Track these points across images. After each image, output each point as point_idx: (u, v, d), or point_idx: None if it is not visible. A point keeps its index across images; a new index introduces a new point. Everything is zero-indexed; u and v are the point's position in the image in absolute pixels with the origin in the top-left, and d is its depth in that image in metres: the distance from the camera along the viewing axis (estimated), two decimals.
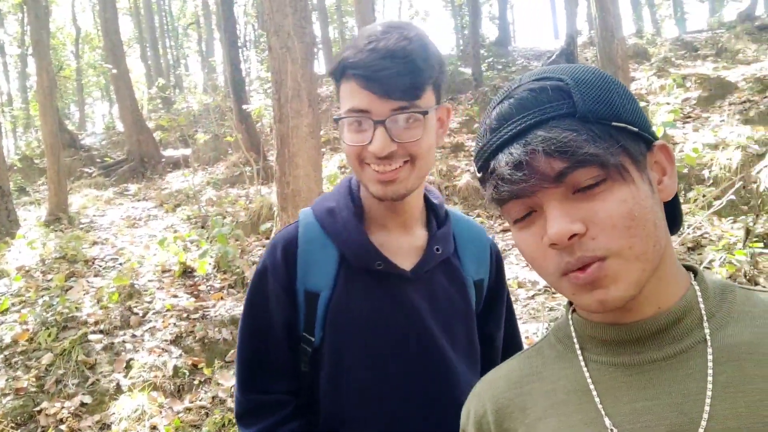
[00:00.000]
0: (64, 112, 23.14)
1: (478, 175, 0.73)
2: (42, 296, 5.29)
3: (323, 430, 1.10)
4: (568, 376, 0.72)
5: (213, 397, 3.99)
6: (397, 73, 0.95)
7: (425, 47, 0.99)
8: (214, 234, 6.15)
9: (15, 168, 13.51)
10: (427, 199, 1.18)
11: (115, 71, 12.66)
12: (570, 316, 0.76)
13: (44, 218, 8.87)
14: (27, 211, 10.03)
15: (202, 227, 7.48)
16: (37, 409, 3.90)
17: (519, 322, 4.77)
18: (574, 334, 0.74)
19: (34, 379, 4.14)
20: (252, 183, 8.77)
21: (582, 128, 0.62)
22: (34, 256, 6.60)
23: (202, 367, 4.28)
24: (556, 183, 0.62)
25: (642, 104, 3.27)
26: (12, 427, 3.75)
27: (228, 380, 4.14)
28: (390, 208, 1.10)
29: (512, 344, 1.29)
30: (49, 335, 4.57)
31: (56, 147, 9.26)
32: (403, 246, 1.11)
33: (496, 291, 1.24)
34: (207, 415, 3.81)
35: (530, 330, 4.18)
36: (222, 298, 5.23)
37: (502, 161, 0.65)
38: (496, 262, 1.24)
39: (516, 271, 5.54)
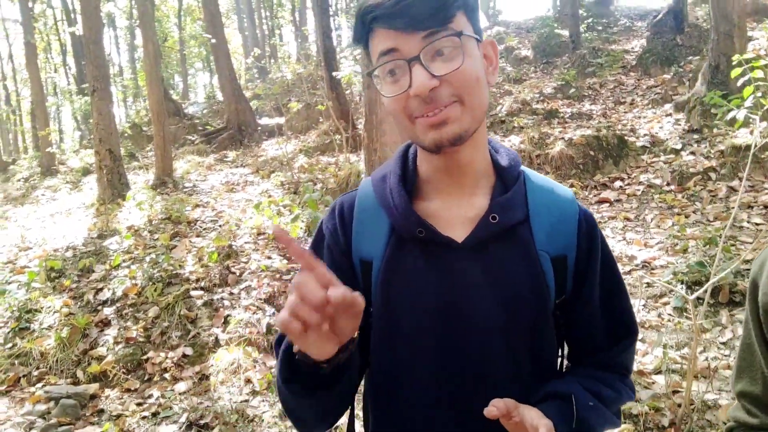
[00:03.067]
0: (169, 82, 24.43)
1: None
2: (149, 254, 5.70)
3: (375, 382, 1.08)
4: None
5: None
6: (418, 1, 0.86)
7: None
8: (305, 200, 6.33)
9: (126, 135, 14.49)
10: (495, 162, 1.06)
11: (214, 41, 13.17)
12: None
13: (151, 182, 9.49)
14: (136, 175, 10.77)
15: (295, 193, 7.71)
16: (145, 357, 4.24)
17: None
18: None
19: (142, 330, 4.49)
20: (341, 151, 8.91)
21: None
22: (143, 217, 7.10)
23: None
24: None
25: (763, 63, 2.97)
26: (123, 372, 4.10)
27: None
28: (443, 167, 1.01)
29: (616, 333, 1.09)
30: (155, 290, 4.92)
31: (162, 115, 9.83)
32: (460, 214, 1.02)
33: (586, 270, 1.04)
34: None
35: None
36: None
37: None
38: (588, 235, 1.04)
39: (612, 244, 5.30)
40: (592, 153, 7.46)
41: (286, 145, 10.24)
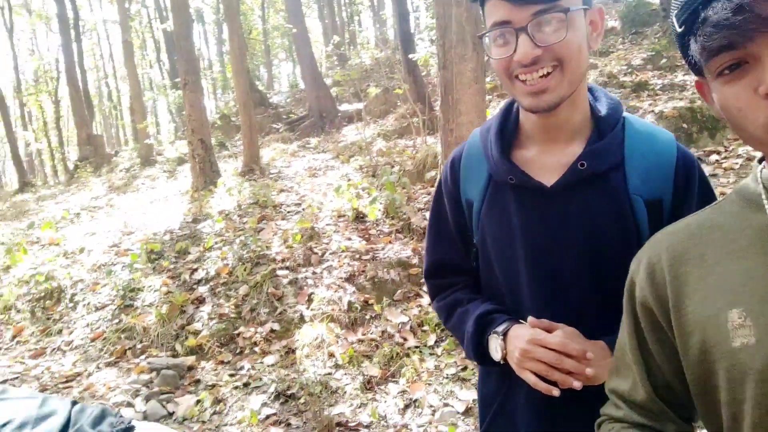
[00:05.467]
0: (255, 73, 25.29)
1: (679, 30, 0.71)
2: (239, 236, 6.01)
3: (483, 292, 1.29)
4: (752, 226, 0.72)
5: (382, 332, 4.26)
6: None
7: None
8: (383, 182, 6.42)
9: (216, 125, 15.18)
10: (594, 112, 1.12)
11: (295, 31, 13.49)
12: (759, 173, 0.75)
13: (240, 169, 9.92)
14: (226, 163, 11.29)
15: (373, 176, 7.83)
16: (236, 332, 4.51)
17: None
18: (762, 188, 0.73)
19: (233, 307, 4.77)
20: (419, 133, 8.92)
21: None
22: (232, 202, 7.47)
23: (372, 304, 4.58)
24: None
25: None
26: (217, 346, 4.38)
27: (396, 317, 4.38)
28: (540, 124, 1.11)
29: None
30: (244, 270, 5.19)
31: (248, 105, 10.21)
32: (553, 161, 1.11)
33: (682, 208, 1.06)
34: (377, 347, 4.09)
35: None
36: (390, 242, 5.49)
37: (719, 6, 0.63)
38: (685, 177, 1.07)
39: None
40: (685, 126, 7.04)
41: (364, 129, 10.37)
